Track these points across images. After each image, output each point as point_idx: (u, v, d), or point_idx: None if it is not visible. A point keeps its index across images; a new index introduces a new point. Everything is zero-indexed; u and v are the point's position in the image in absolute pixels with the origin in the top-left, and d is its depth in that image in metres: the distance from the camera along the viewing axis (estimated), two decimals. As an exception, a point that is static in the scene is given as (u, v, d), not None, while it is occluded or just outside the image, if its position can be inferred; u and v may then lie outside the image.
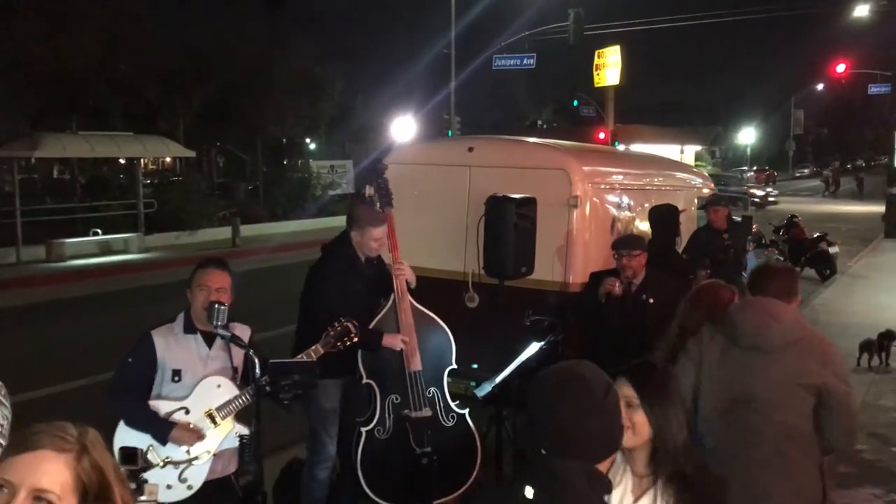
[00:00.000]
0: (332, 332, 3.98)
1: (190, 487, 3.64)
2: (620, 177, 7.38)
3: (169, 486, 3.59)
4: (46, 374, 8.72)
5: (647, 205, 7.32)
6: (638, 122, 40.06)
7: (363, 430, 4.75)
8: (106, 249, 19.93)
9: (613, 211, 6.82)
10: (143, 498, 2.62)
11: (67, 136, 20.79)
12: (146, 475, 2.95)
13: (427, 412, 4.77)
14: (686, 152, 44.08)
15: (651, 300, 5.27)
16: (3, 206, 19.74)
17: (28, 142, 19.44)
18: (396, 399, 4.78)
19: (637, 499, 2.42)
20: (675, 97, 59.27)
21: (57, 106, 23.91)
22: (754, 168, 59.40)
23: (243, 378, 3.76)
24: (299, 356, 3.91)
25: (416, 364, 4.80)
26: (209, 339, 3.75)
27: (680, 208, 7.24)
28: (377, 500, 4.78)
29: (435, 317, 4.99)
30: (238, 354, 3.78)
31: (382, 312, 4.87)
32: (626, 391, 2.42)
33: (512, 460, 5.09)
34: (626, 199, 7.14)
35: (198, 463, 3.65)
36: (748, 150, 65.98)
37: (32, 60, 21.20)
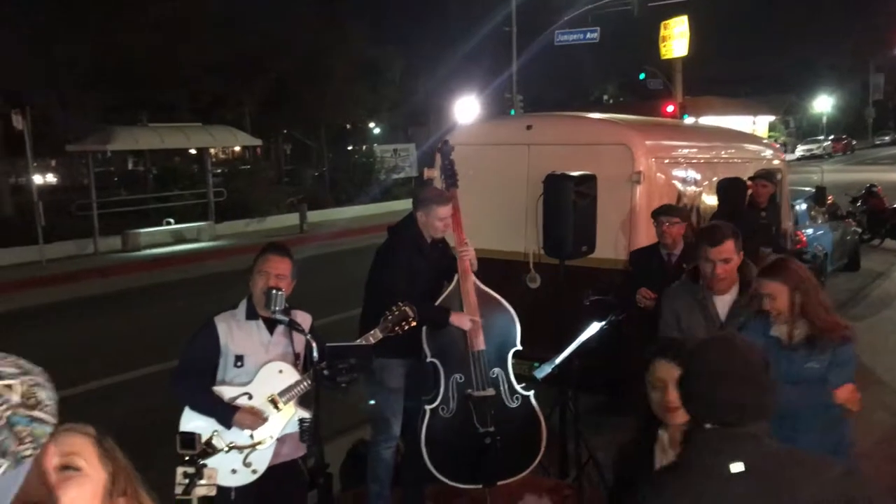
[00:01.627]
0: (389, 317, 3.97)
1: (255, 472, 3.69)
2: (685, 150, 7.18)
3: (234, 471, 3.64)
4: (123, 361, 9.02)
5: (714, 179, 7.12)
6: (707, 94, 39.03)
7: (427, 408, 4.75)
8: (179, 238, 20.49)
9: (679, 186, 6.64)
10: (202, 482, 2.66)
11: (138, 129, 21.39)
12: (211, 460, 3.00)
13: (490, 392, 4.75)
14: (758, 123, 42.78)
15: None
16: (81, 198, 20.41)
17: (101, 136, 20.06)
18: (460, 378, 4.78)
19: None
20: (746, 66, 57.38)
21: (127, 101, 24.58)
22: (831, 137, 57.25)
23: (304, 364, 3.79)
24: (358, 340, 3.91)
25: (480, 344, 4.78)
26: (271, 326, 3.78)
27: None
28: (442, 478, 4.79)
29: (499, 297, 4.96)
30: (299, 340, 3.80)
31: (447, 293, 4.86)
32: (674, 371, 2.41)
33: (576, 441, 5.02)
34: (691, 174, 6.95)
35: (262, 447, 3.69)
36: (824, 119, 63.61)
37: (101, 55, 21.82)
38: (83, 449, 1.55)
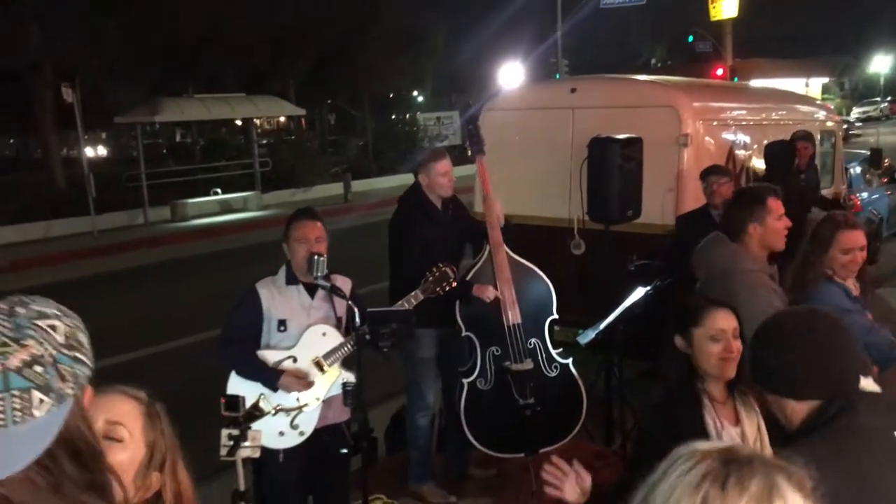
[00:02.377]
0: (430, 278, 3.96)
1: (302, 434, 3.73)
2: (734, 112, 7.00)
3: (281, 433, 3.68)
4: (173, 329, 9.20)
5: (765, 141, 6.94)
6: (758, 56, 37.99)
7: (465, 381, 4.75)
8: (226, 208, 20.75)
9: (727, 149, 6.48)
10: (246, 444, 2.69)
11: (185, 100, 21.61)
12: (259, 423, 3.03)
13: (528, 364, 4.71)
14: (811, 85, 41.54)
15: None
16: (130, 170, 20.76)
17: (148, 107, 20.33)
18: (497, 351, 4.75)
19: (736, 422, 2.50)
20: (799, 26, 55.65)
21: (174, 73, 24.84)
22: (888, 99, 55.36)
23: (346, 328, 3.81)
24: (399, 302, 3.91)
25: (515, 316, 4.72)
26: (311, 290, 3.80)
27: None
28: (483, 449, 4.80)
29: (534, 267, 4.87)
30: (340, 304, 3.82)
31: (478, 265, 4.81)
32: (734, 321, 2.50)
33: (620, 408, 4.99)
34: (741, 136, 6.78)
35: (307, 409, 3.73)
36: (881, 80, 61.53)
37: (148, 29, 22.04)
38: (129, 417, 1.58)
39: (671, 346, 2.56)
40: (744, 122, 6.93)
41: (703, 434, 2.42)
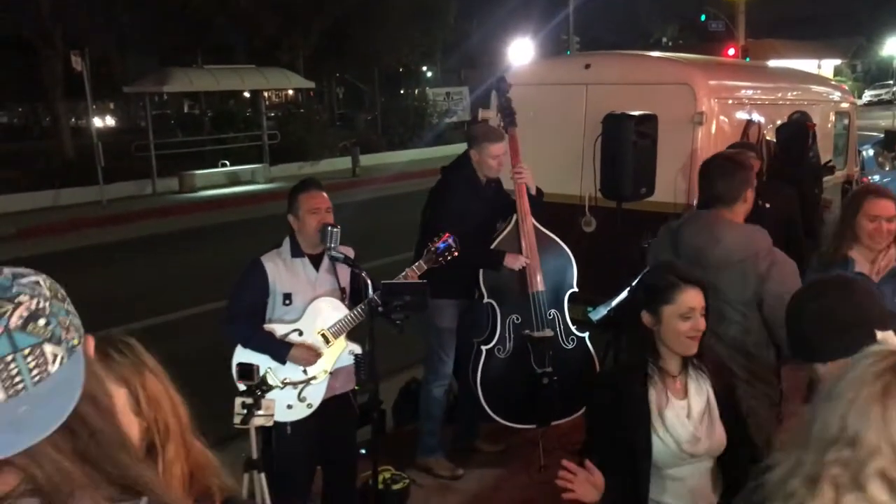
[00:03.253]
0: (432, 248, 3.95)
1: (310, 406, 3.74)
2: (750, 91, 6.93)
3: (290, 406, 3.69)
4: (180, 298, 9.22)
5: (779, 121, 6.88)
6: (771, 36, 37.66)
7: (484, 348, 4.76)
8: (234, 180, 20.74)
9: (742, 128, 6.42)
10: (260, 412, 2.69)
11: (194, 71, 21.53)
12: (268, 396, 3.04)
13: (549, 333, 4.74)
14: (823, 67, 41.20)
15: (767, 205, 5.09)
16: (138, 140, 20.73)
17: (157, 77, 20.28)
18: (517, 319, 4.77)
19: (683, 396, 2.57)
20: (812, 7, 55.04)
21: (183, 43, 24.71)
22: (901, 82, 54.84)
23: (350, 298, 3.81)
24: (403, 273, 3.89)
25: (539, 284, 4.76)
26: (316, 263, 3.79)
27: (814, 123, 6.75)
28: (497, 418, 4.81)
29: (557, 238, 4.93)
30: (344, 275, 3.81)
31: (505, 232, 4.83)
32: (701, 298, 2.54)
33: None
34: (756, 116, 6.71)
35: (315, 382, 3.74)
36: (894, 63, 60.94)
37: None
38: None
39: (637, 321, 2.58)
40: (759, 102, 6.87)
41: (645, 408, 2.52)
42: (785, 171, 6.12)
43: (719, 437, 2.57)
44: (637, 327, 2.59)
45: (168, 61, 23.50)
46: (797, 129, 6.50)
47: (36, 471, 0.99)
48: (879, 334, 1.95)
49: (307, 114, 25.85)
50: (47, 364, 1.00)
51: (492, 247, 4.78)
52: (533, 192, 4.85)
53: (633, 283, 2.72)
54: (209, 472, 1.56)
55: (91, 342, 1.11)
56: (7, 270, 1.04)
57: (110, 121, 43.77)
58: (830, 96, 8.46)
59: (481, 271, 4.71)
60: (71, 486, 1.00)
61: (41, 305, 1.02)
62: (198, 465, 1.56)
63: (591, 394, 2.79)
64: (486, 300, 4.78)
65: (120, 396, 1.51)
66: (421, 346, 5.01)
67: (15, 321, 0.99)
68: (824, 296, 2.10)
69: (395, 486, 4.38)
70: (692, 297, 2.53)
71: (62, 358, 1.02)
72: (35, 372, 0.99)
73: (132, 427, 1.50)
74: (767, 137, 6.76)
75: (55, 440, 0.99)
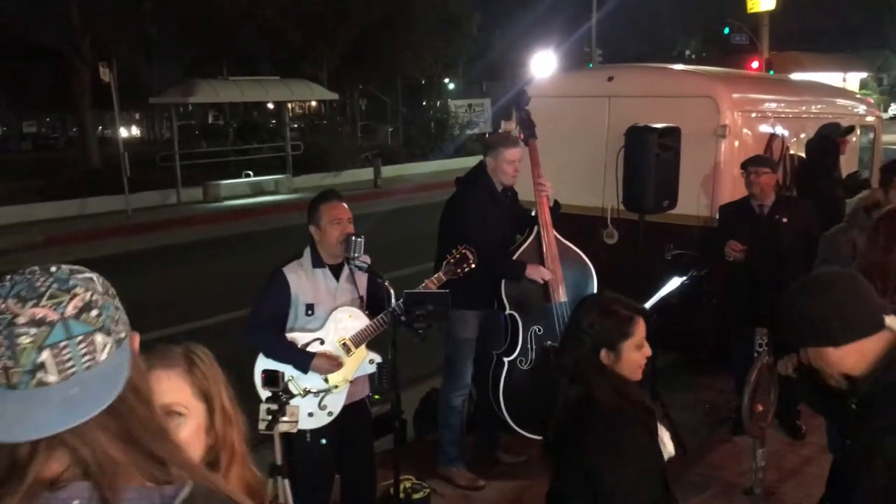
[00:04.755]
0: (451, 260, 3.97)
1: (330, 414, 3.77)
2: (773, 104, 6.92)
3: (311, 414, 3.71)
4: (203, 307, 9.31)
5: (803, 135, 6.85)
6: (795, 49, 37.42)
7: (506, 360, 4.76)
8: (257, 190, 20.90)
9: (766, 142, 6.41)
10: (284, 419, 2.72)
11: (219, 82, 21.76)
12: (291, 404, 3.06)
13: None
14: (848, 80, 40.86)
15: (785, 219, 5.10)
16: (163, 150, 20.96)
17: (183, 88, 20.50)
18: (539, 330, 4.77)
19: None
20: (837, 20, 54.64)
21: (208, 54, 25.00)
22: (928, 96, 54.23)
23: (368, 306, 3.84)
24: (423, 284, 3.91)
25: (562, 295, 4.76)
26: (335, 272, 3.81)
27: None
28: (519, 430, 4.81)
29: (577, 249, 4.93)
30: (362, 284, 3.84)
31: (527, 244, 4.83)
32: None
33: (652, 398, 4.97)
34: (780, 129, 6.69)
35: (336, 391, 3.76)
36: (921, 76, 60.26)
37: (184, 10, 22.19)
38: (179, 392, 1.58)
39: (594, 367, 2.44)
40: (783, 115, 6.85)
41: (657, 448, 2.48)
42: (815, 184, 6.11)
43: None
44: (598, 372, 2.44)
45: (193, 72, 23.79)
46: (829, 144, 6.48)
47: (84, 451, 1.05)
48: (887, 319, 2.02)
49: (330, 125, 26.06)
50: (97, 352, 1.07)
51: (514, 257, 4.79)
52: (551, 204, 4.85)
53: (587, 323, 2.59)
54: (258, 498, 1.59)
55: (137, 338, 1.18)
56: (65, 266, 1.13)
57: (136, 131, 44.29)
58: (856, 110, 8.41)
59: (503, 282, 4.72)
60: (116, 466, 1.06)
61: (94, 298, 1.10)
62: (251, 489, 1.59)
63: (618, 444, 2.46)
64: (507, 311, 4.79)
65: (198, 412, 1.58)
66: (438, 356, 5.03)
67: (70, 310, 1.06)
68: (838, 283, 2.11)
69: (416, 496, 4.38)
70: (643, 326, 2.50)
71: (111, 348, 1.09)
72: (86, 358, 1.06)
73: (196, 445, 1.55)
74: (791, 151, 6.74)
75: (102, 422, 1.06)
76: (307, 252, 3.80)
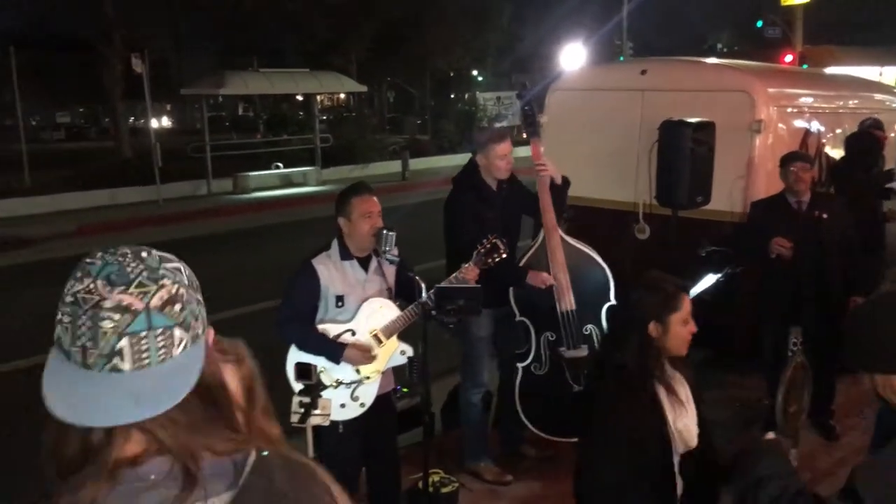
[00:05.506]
0: (481, 250, 3.94)
1: (363, 405, 3.78)
2: (809, 99, 6.81)
3: (343, 405, 3.73)
4: (234, 297, 9.37)
5: (839, 130, 6.74)
6: (830, 43, 36.79)
7: (519, 365, 4.74)
8: (286, 182, 21.01)
9: (801, 137, 6.31)
10: (316, 411, 2.73)
11: (249, 74, 21.89)
12: (323, 396, 3.06)
13: (583, 351, 4.66)
14: (885, 74, 40.05)
15: (824, 215, 5.04)
16: (194, 141, 21.13)
17: (213, 80, 20.64)
18: (551, 337, 4.73)
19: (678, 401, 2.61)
20: (874, 13, 53.64)
21: (237, 46, 25.15)
22: (966, 91, 53.06)
23: (397, 298, 3.84)
24: (453, 275, 3.89)
25: (569, 303, 4.67)
26: (364, 264, 3.82)
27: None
28: (537, 431, 4.81)
29: (590, 252, 4.82)
30: (390, 275, 3.84)
31: (532, 250, 4.77)
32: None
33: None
34: (816, 124, 6.59)
35: (368, 382, 3.77)
36: (960, 71, 58.94)
37: (214, 2, 22.32)
38: (232, 385, 1.60)
39: (643, 334, 2.56)
40: (819, 110, 6.74)
41: (660, 412, 2.51)
42: (854, 180, 6.02)
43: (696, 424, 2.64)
44: (645, 340, 2.55)
45: (222, 64, 23.93)
46: (868, 139, 6.38)
47: (161, 433, 1.06)
48: None
49: (358, 117, 26.09)
50: (173, 346, 1.08)
51: (521, 264, 4.71)
52: (558, 181, 4.73)
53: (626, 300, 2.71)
54: None
55: (212, 333, 1.19)
56: (155, 253, 1.13)
57: (166, 122, 44.72)
58: (893, 104, 8.25)
59: (512, 290, 4.66)
60: (195, 444, 1.08)
61: (180, 291, 1.10)
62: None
63: (608, 418, 2.62)
64: (518, 318, 4.74)
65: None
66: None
67: (156, 301, 1.07)
68: None
69: (444, 490, 4.38)
70: (689, 302, 2.63)
71: (186, 343, 1.10)
72: (161, 352, 1.07)
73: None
74: (827, 147, 6.63)
75: (174, 415, 1.06)
76: (335, 244, 3.81)
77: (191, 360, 1.10)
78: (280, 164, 21.67)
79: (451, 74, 33.59)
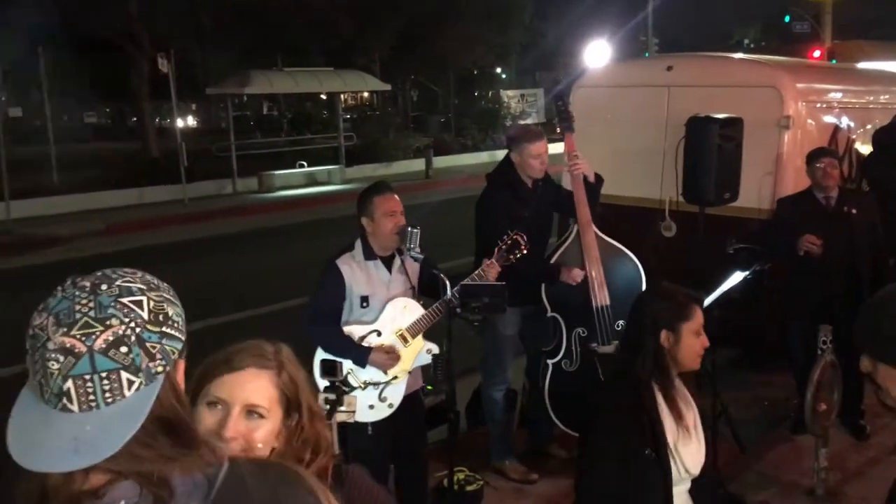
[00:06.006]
0: (503, 247, 3.92)
1: (391, 406, 3.77)
2: (839, 94, 6.72)
3: (371, 406, 3.72)
4: (260, 295, 9.43)
5: (869, 125, 6.64)
6: (860, 38, 36.30)
7: (550, 362, 4.71)
8: (311, 181, 21.11)
9: (830, 133, 6.23)
10: (342, 408, 2.73)
11: (273, 73, 21.99)
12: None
13: (615, 347, 4.65)
14: (915, 69, 39.42)
15: (854, 211, 4.98)
16: (219, 141, 21.28)
17: (238, 79, 20.77)
18: (583, 332, 4.70)
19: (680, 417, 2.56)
20: (905, 7, 52.76)
21: (261, 45, 25.26)
22: None
23: (422, 295, 3.84)
24: (476, 272, 3.88)
25: (604, 298, 4.66)
26: (387, 263, 3.81)
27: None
28: (566, 430, 4.78)
29: (622, 247, 4.81)
30: (414, 274, 3.83)
31: (566, 244, 4.74)
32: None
33: (713, 395, 4.88)
34: (845, 120, 6.49)
35: (395, 382, 3.77)
36: None
37: (240, 1, 22.45)
38: (263, 393, 1.63)
39: (654, 341, 2.54)
40: (849, 105, 6.64)
41: (662, 434, 2.47)
42: (882, 175, 5.94)
43: (703, 451, 2.60)
44: (656, 347, 2.54)
45: (247, 63, 24.03)
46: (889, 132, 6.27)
47: (123, 468, 1.03)
48: None
49: (382, 116, 26.14)
50: (122, 389, 1.04)
51: (553, 259, 4.69)
52: (591, 179, 4.71)
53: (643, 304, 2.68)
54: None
55: (181, 367, 1.14)
56: (117, 284, 1.08)
57: (192, 121, 45.08)
58: (925, 99, 8.11)
59: (544, 286, 4.64)
60: (161, 470, 1.05)
61: (128, 332, 1.05)
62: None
63: (600, 416, 2.66)
64: (550, 314, 4.71)
65: (276, 417, 1.65)
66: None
67: (100, 344, 1.03)
68: None
69: (469, 488, 4.38)
70: (700, 313, 2.59)
71: (140, 384, 1.05)
72: (108, 395, 1.03)
73: (267, 447, 1.62)
74: (857, 143, 6.54)
75: (132, 450, 1.03)
76: (358, 244, 3.80)
77: (141, 404, 1.05)
78: (304, 163, 21.78)
79: (475, 72, 33.51)
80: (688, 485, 2.58)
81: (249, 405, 1.60)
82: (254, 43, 25.22)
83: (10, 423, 1.05)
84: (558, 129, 5.01)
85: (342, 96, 25.68)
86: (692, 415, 2.59)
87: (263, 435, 1.60)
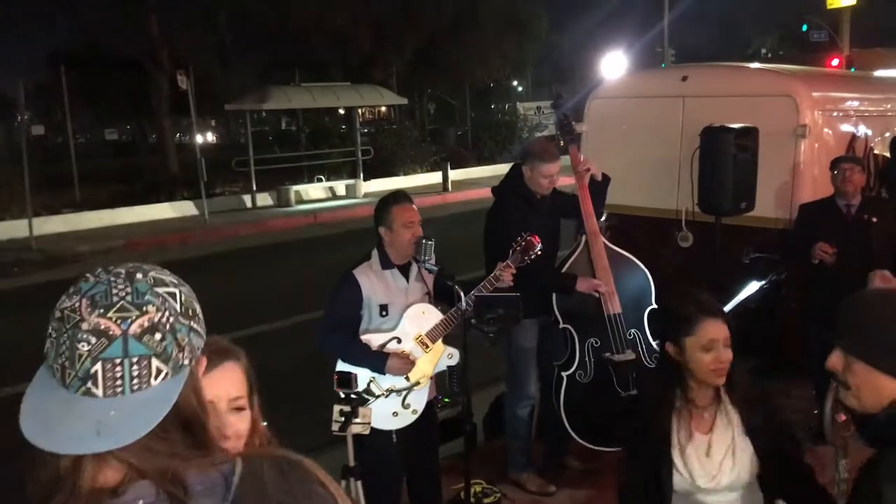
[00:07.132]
0: (517, 248, 3.92)
1: (415, 412, 3.77)
2: (856, 102, 6.68)
3: (395, 414, 3.73)
4: (279, 309, 9.48)
5: (888, 133, 6.59)
6: (879, 46, 36.05)
7: (564, 374, 4.70)
8: (329, 194, 21.23)
9: (847, 141, 6.19)
10: (357, 420, 2.74)
11: (292, 89, 22.14)
12: (372, 404, 3.07)
13: (630, 355, 4.64)
14: (936, 77, 39.06)
15: (874, 219, 4.94)
16: (238, 156, 21.45)
17: (257, 95, 20.94)
18: (596, 343, 4.69)
19: (708, 431, 2.47)
20: (924, 15, 52.35)
21: (280, 61, 25.49)
22: None
23: (438, 302, 3.85)
24: (493, 274, 3.89)
25: (616, 306, 4.66)
26: (404, 272, 3.83)
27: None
28: (583, 442, 4.76)
29: (630, 256, 4.83)
30: (430, 280, 3.86)
31: (575, 255, 4.75)
32: (725, 330, 2.44)
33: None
34: (863, 128, 6.46)
35: (418, 388, 3.77)
36: None
37: (258, 20, 22.69)
38: (242, 385, 1.67)
39: (663, 352, 2.51)
40: (866, 114, 6.61)
41: (666, 440, 2.43)
42: None
43: (744, 469, 2.46)
44: (664, 359, 2.51)
45: (265, 79, 24.25)
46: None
47: (138, 462, 1.03)
48: None
49: (399, 129, 26.24)
50: (150, 376, 1.04)
51: (563, 270, 4.70)
52: (599, 178, 4.72)
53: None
54: None
55: (202, 363, 1.15)
56: (151, 275, 1.09)
57: (211, 137, 45.46)
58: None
59: (555, 297, 4.64)
60: (177, 468, 1.04)
61: (164, 320, 1.05)
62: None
63: (623, 424, 2.69)
64: (562, 325, 4.71)
65: (251, 406, 1.68)
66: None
67: (135, 328, 1.03)
68: None
69: (487, 500, 4.38)
70: (713, 329, 2.42)
71: (167, 374, 1.05)
72: (136, 381, 1.03)
73: (247, 436, 1.64)
74: (875, 151, 6.49)
75: (147, 444, 1.02)
76: (375, 254, 3.82)
77: (166, 393, 1.05)
78: (322, 177, 21.89)
79: (491, 85, 33.61)
80: (733, 493, 2.48)
81: (232, 399, 1.63)
82: (272, 60, 25.46)
83: (24, 403, 1.04)
84: (562, 143, 5.03)
85: (359, 110, 25.81)
86: (726, 434, 2.47)
87: (246, 425, 1.62)
